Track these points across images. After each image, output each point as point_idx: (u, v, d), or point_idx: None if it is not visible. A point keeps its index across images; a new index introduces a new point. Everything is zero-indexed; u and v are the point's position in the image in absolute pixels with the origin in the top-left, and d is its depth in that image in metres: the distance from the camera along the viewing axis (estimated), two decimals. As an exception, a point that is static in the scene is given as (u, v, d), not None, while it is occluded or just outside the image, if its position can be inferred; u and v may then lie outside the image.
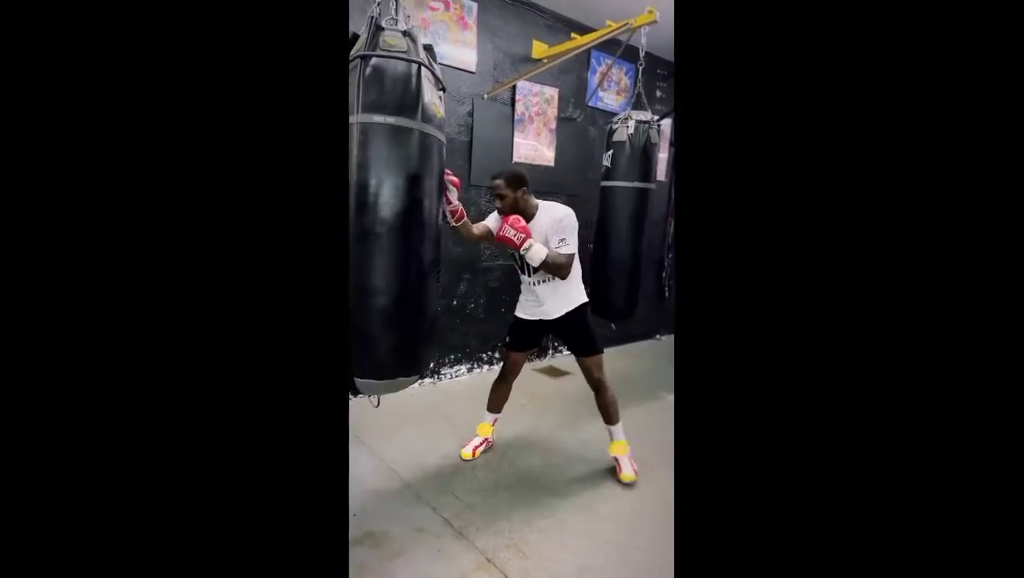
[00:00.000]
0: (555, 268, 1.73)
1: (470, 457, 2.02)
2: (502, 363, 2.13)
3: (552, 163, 3.24)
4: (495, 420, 2.12)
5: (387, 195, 1.16)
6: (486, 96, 2.84)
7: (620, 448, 1.95)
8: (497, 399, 2.08)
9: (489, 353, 3.11)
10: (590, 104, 3.37)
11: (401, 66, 1.16)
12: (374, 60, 1.17)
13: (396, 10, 1.27)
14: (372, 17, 1.21)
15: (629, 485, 1.88)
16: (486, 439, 2.10)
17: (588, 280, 1.96)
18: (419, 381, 2.75)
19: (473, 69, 2.78)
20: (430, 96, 1.23)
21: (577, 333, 1.87)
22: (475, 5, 2.74)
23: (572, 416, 2.50)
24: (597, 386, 1.89)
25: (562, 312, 1.84)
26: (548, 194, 3.27)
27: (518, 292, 1.96)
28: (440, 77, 1.31)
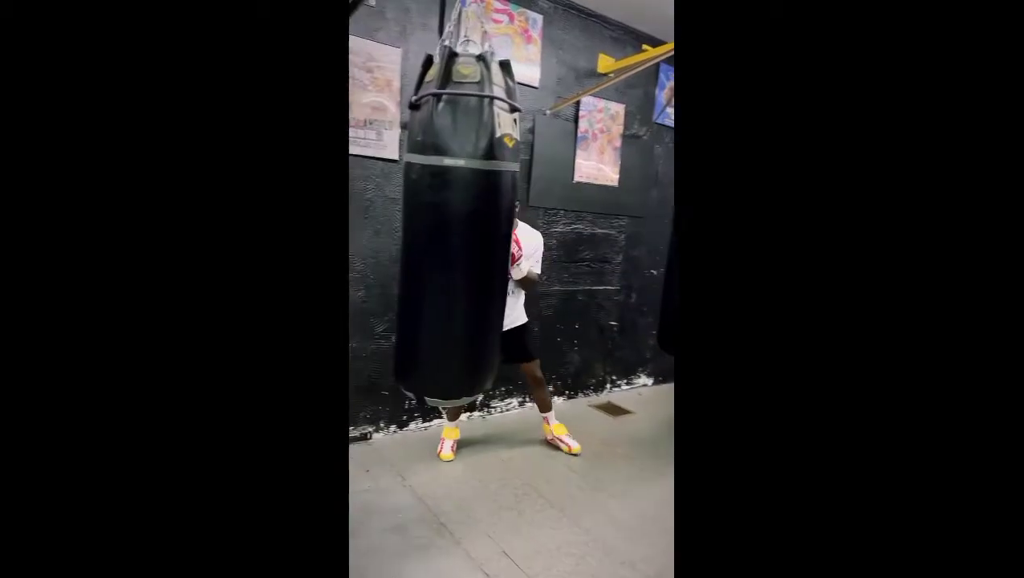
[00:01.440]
0: (531, 285, 2.13)
1: (450, 458, 2.24)
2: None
3: (615, 183, 3.05)
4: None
5: (458, 241, 1.04)
6: (548, 112, 2.69)
7: (561, 428, 2.41)
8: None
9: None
10: (657, 121, 3.16)
11: (473, 102, 1.02)
12: (444, 98, 1.05)
13: (460, 29, 1.15)
14: (447, 46, 1.08)
15: (576, 455, 2.31)
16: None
17: (666, 307, 2.11)
18: (468, 414, 2.65)
19: (536, 84, 2.63)
20: (504, 126, 1.10)
21: (523, 344, 2.24)
22: (540, 17, 2.60)
23: (649, 470, 2.29)
24: (540, 383, 2.34)
25: (513, 325, 2.09)
26: (613, 216, 3.14)
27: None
28: (515, 99, 1.17)
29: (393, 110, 2.35)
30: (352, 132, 2.27)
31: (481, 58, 1.06)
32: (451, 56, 1.08)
